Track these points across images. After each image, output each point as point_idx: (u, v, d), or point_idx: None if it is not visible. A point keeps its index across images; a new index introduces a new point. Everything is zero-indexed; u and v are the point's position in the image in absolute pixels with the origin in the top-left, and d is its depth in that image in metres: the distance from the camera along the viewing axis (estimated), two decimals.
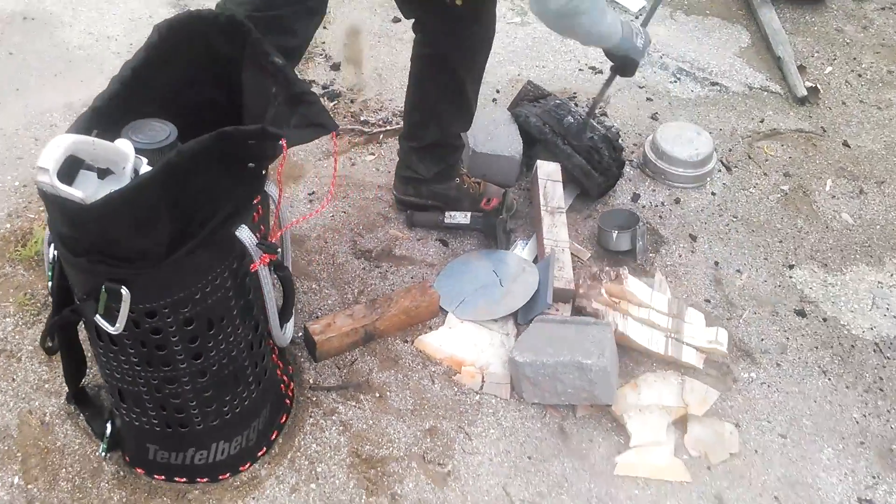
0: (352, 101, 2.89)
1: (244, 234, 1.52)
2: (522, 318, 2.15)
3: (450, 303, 2.18)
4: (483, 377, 2.02)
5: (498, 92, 2.99)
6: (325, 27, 3.24)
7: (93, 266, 1.41)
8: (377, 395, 1.99)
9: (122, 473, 1.79)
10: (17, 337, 2.03)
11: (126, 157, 1.40)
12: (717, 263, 2.42)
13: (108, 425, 1.79)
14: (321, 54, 3.11)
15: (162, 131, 1.49)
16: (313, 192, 2.52)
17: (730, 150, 2.84)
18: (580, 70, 3.15)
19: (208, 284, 1.52)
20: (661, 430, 1.91)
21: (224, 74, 1.65)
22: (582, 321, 2.05)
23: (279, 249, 1.66)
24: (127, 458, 1.81)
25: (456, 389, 2.02)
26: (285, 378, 1.92)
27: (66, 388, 1.83)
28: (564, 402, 1.96)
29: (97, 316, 1.45)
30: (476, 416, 1.96)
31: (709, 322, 2.19)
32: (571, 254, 2.31)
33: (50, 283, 1.56)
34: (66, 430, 1.86)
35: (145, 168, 1.42)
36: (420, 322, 2.16)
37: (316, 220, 2.42)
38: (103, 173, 1.40)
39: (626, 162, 2.67)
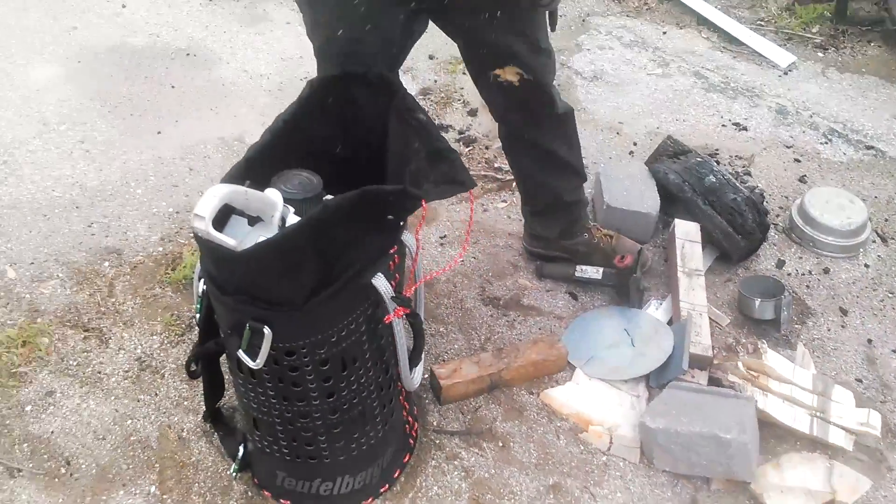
0: (486, 147, 2.92)
1: (380, 283, 1.54)
2: (655, 381, 2.09)
3: (578, 358, 2.14)
4: (611, 438, 1.96)
5: (635, 144, 2.95)
6: (464, 73, 3.29)
7: (239, 305, 1.47)
8: (500, 444, 1.97)
9: (250, 494, 1.84)
10: (161, 354, 2.13)
11: (275, 207, 1.46)
12: (870, 341, 2.28)
13: (241, 448, 1.84)
14: (459, 100, 3.16)
15: (309, 183, 1.56)
16: (445, 236, 2.55)
17: (886, 221, 2.70)
18: (723, 126, 3.07)
19: (344, 328, 1.55)
20: None
21: (370, 127, 1.70)
22: (720, 392, 1.96)
23: (413, 302, 1.69)
24: (256, 481, 1.85)
25: (582, 448, 1.97)
26: (410, 419, 1.93)
27: (204, 407, 1.90)
28: (698, 474, 1.88)
29: (240, 351, 1.51)
30: (602, 477, 1.91)
31: (859, 403, 2.06)
32: (709, 318, 2.24)
33: (198, 315, 1.64)
34: (201, 447, 1.93)
35: (292, 217, 1.49)
36: (546, 375, 2.12)
37: (444, 264, 2.44)
38: (253, 220, 1.47)
39: (771, 225, 2.57)
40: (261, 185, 1.51)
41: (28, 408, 1.99)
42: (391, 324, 1.61)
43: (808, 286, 2.43)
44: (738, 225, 2.43)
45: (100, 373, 2.08)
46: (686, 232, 2.44)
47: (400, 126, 1.65)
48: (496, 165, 2.83)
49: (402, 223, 1.59)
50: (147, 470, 1.88)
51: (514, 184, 2.72)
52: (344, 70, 1.71)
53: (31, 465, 1.87)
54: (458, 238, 2.55)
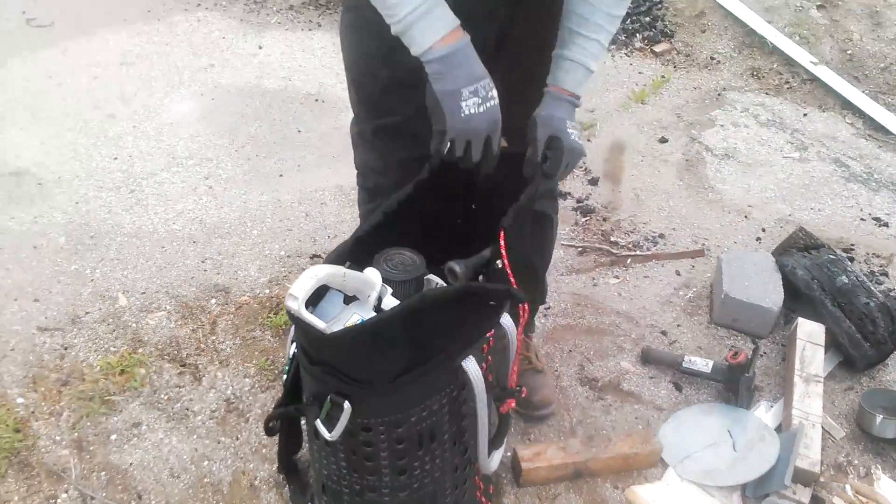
0: (604, 220, 2.83)
1: (470, 366, 1.48)
2: (752, 491, 1.92)
3: (673, 456, 2.00)
4: None
5: (764, 231, 2.79)
6: (589, 140, 3.23)
7: (324, 377, 1.44)
8: None
9: None
10: (250, 398, 2.13)
11: (373, 287, 1.43)
12: None
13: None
14: (581, 167, 3.09)
15: (411, 263, 1.52)
16: (549, 307, 2.46)
17: None
18: (861, 219, 2.87)
19: (426, 409, 1.49)
20: None
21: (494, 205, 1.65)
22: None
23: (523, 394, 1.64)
24: None
25: None
26: (483, 499, 1.84)
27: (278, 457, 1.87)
28: None
29: (318, 420, 1.47)
30: None
31: None
32: (822, 429, 2.06)
33: (285, 376, 1.62)
34: (271, 498, 1.91)
35: (389, 298, 1.46)
36: (636, 469, 1.99)
37: (545, 329, 2.36)
38: (349, 299, 1.44)
39: None
40: (363, 263, 1.49)
41: (113, 437, 2.02)
42: (475, 405, 1.54)
43: None
44: (867, 332, 2.24)
45: (188, 409, 2.10)
46: (809, 333, 2.26)
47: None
48: (612, 239, 2.74)
49: (501, 310, 1.53)
50: None
51: (629, 260, 2.63)
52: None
53: (104, 495, 1.90)
54: (563, 310, 2.45)
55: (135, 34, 3.81)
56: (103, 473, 1.95)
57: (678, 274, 2.60)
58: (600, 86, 3.58)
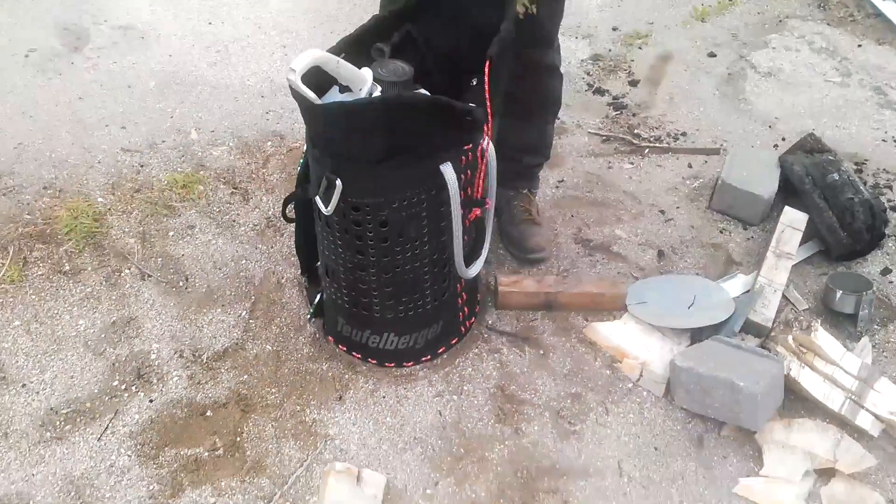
0: (634, 115, 3.04)
1: (447, 169, 1.77)
2: (700, 336, 2.16)
3: (633, 300, 2.25)
4: (642, 371, 2.08)
5: (783, 140, 2.94)
6: (640, 48, 3.42)
7: (321, 158, 1.77)
8: (541, 352, 2.15)
9: (317, 336, 2.16)
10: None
11: (364, 81, 1.73)
12: None
13: (318, 296, 2.16)
14: (625, 70, 3.30)
15: (402, 71, 1.79)
16: (562, 181, 2.73)
17: None
18: (883, 141, 2.98)
19: (405, 199, 1.79)
20: (797, 472, 1.84)
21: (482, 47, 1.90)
22: (755, 350, 2.02)
23: (486, 205, 1.93)
24: (324, 327, 2.16)
25: (612, 373, 2.10)
26: (466, 309, 2.15)
27: (300, 260, 2.23)
28: (711, 416, 1.96)
29: (317, 197, 1.81)
30: (622, 399, 2.04)
31: None
32: (789, 301, 2.27)
33: (299, 168, 1.96)
34: (292, 293, 2.27)
35: (378, 94, 1.75)
36: (602, 309, 2.26)
37: (554, 197, 2.62)
38: (344, 89, 1.75)
39: (890, 237, 2.51)
40: (362, 65, 1.80)
41: (171, 233, 2.43)
42: (451, 216, 1.83)
43: None
44: (846, 223, 2.41)
45: (234, 221, 2.49)
46: (792, 220, 2.46)
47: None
48: (636, 132, 2.95)
49: (475, 125, 1.80)
50: (244, 299, 2.25)
51: (647, 150, 2.86)
52: None
53: (158, 275, 2.31)
54: (575, 184, 2.71)
55: None
56: (160, 259, 2.36)
57: (690, 167, 2.81)
58: (666, 0, 3.74)
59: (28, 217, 2.44)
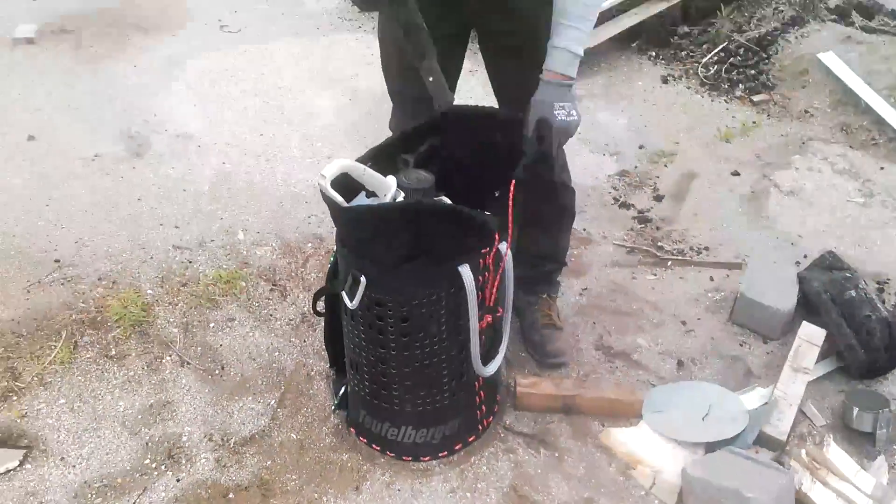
0: (657, 229, 3.17)
1: (465, 270, 1.90)
2: (714, 446, 2.20)
3: (650, 410, 2.31)
4: (655, 479, 2.12)
5: (805, 257, 3.02)
6: (665, 166, 3.58)
7: (348, 256, 1.93)
8: (556, 454, 2.21)
9: (340, 427, 2.26)
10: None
11: (388, 188, 1.90)
12: None
13: (343, 388, 2.27)
14: (651, 185, 3.44)
15: (424, 180, 1.96)
16: (586, 289, 2.83)
17: None
18: None
19: (426, 297, 1.93)
20: None
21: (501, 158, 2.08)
22: (767, 463, 2.05)
23: (499, 313, 2.05)
24: (347, 418, 2.26)
25: (626, 480, 2.15)
26: (484, 408, 2.23)
27: (329, 354, 2.36)
28: None
29: (343, 291, 1.95)
30: None
31: None
32: (806, 416, 2.32)
33: (330, 265, 2.12)
34: (320, 386, 2.39)
35: (401, 200, 1.91)
36: (620, 415, 2.32)
37: (578, 304, 2.73)
38: (370, 195, 1.92)
39: None
40: (387, 173, 1.97)
41: (212, 324, 2.58)
42: (468, 318, 1.95)
43: None
44: (863, 340, 2.46)
45: (271, 316, 2.64)
46: (809, 335, 2.52)
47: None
48: (660, 244, 3.07)
49: (492, 231, 1.94)
50: (274, 389, 2.37)
51: (670, 263, 2.96)
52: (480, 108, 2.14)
53: (197, 362, 2.45)
54: (598, 293, 2.82)
55: (302, 45, 4.54)
56: (199, 348, 2.50)
57: (711, 280, 2.90)
58: (692, 122, 3.92)
59: (82, 305, 2.62)
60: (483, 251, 1.96)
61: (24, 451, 2.15)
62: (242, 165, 3.43)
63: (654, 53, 4.56)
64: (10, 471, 2.10)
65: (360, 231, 1.87)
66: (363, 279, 1.90)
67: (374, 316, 1.97)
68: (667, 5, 4.61)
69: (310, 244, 2.97)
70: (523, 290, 2.35)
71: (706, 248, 3.06)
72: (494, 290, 2.01)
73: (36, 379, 2.36)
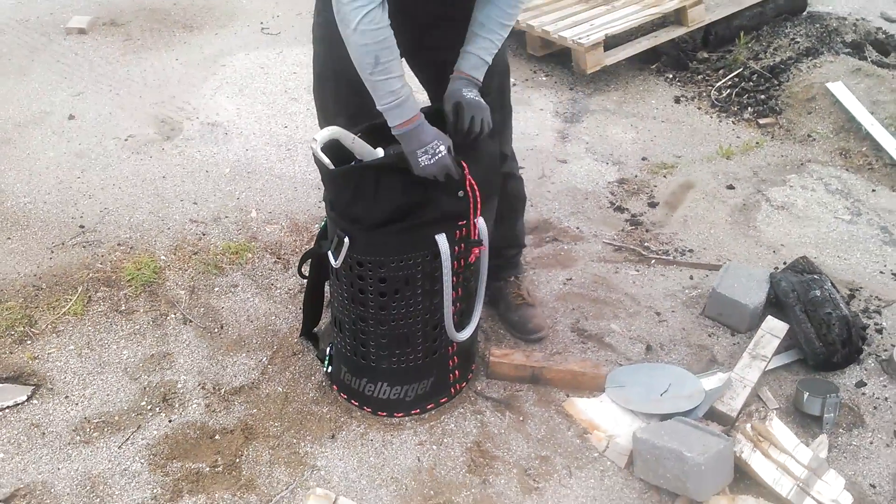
0: (647, 231, 3.33)
1: (441, 239, 2.10)
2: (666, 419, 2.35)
3: (611, 383, 2.47)
4: (608, 444, 2.28)
5: (784, 264, 3.15)
6: (664, 177, 3.74)
7: (335, 218, 2.14)
8: (520, 418, 2.38)
9: (323, 385, 2.45)
10: None
11: (374, 155, 2.11)
12: None
13: (329, 348, 2.47)
14: (647, 193, 3.60)
15: None
16: (570, 279, 3.00)
17: None
18: (881, 272, 3.16)
19: (403, 261, 2.12)
20: None
21: None
22: (709, 430, 2.20)
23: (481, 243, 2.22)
24: (329, 375, 2.46)
25: (582, 442, 2.31)
26: (457, 372, 2.41)
27: (301, 324, 2.57)
28: (663, 486, 2.13)
29: (329, 252, 2.16)
30: (586, 465, 2.24)
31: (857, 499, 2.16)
32: (761, 399, 2.46)
33: (319, 228, 2.32)
34: (309, 347, 2.59)
35: None
36: (584, 388, 2.48)
37: (560, 292, 2.90)
38: (358, 163, 2.12)
39: (874, 356, 2.67)
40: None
41: (216, 289, 2.81)
42: (443, 280, 2.14)
43: (875, 407, 2.50)
44: (822, 334, 2.60)
45: (272, 285, 2.85)
46: (772, 327, 2.66)
47: None
48: (646, 244, 3.23)
49: (468, 203, 2.13)
50: (267, 348, 2.58)
51: (653, 261, 3.12)
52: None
53: (198, 321, 2.67)
54: (581, 283, 2.99)
55: None
56: (202, 309, 2.72)
57: (691, 279, 3.05)
58: (697, 139, 4.08)
59: (99, 266, 2.86)
60: (460, 223, 2.15)
61: (33, 388, 2.38)
62: (263, 153, 3.67)
63: (671, 76, 4.73)
64: (18, 404, 2.33)
65: (344, 192, 2.07)
66: (346, 240, 2.10)
67: (356, 276, 2.17)
68: (686, 31, 4.79)
69: (317, 225, 3.18)
70: (491, 278, 2.53)
71: (690, 251, 3.22)
72: (476, 229, 2.19)
73: (50, 327, 2.60)
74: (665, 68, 4.74)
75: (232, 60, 4.54)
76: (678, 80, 4.66)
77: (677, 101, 4.47)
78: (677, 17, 4.80)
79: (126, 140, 3.66)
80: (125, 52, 4.50)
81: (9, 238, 2.97)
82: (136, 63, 4.38)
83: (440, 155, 2.02)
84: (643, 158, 3.89)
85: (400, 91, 1.98)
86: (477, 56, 2.14)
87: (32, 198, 3.21)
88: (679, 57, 4.77)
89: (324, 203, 2.27)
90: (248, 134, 3.82)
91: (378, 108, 2.02)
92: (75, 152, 3.54)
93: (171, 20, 4.95)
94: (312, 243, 3.01)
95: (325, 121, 2.40)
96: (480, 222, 2.20)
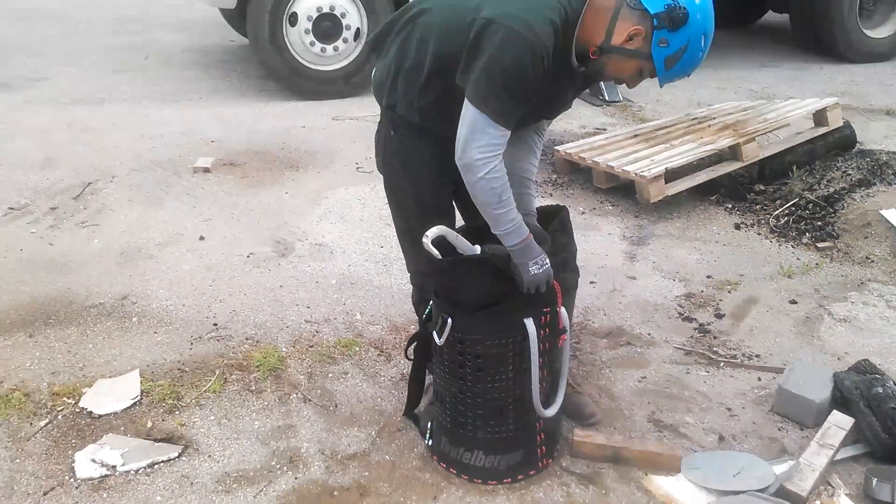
0: (715, 338, 3.62)
1: (529, 323, 2.48)
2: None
3: (686, 465, 2.73)
4: None
5: (839, 360, 3.40)
6: (729, 292, 4.06)
7: (440, 303, 2.54)
8: (603, 491, 2.64)
9: (425, 455, 2.77)
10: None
11: (474, 251, 2.52)
12: None
13: (429, 424, 2.81)
14: (714, 306, 3.92)
15: (503, 251, 2.49)
16: (644, 377, 3.30)
17: None
18: None
19: (496, 341, 2.50)
20: None
21: None
22: (780, 502, 2.43)
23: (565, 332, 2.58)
24: (431, 447, 2.78)
25: None
26: (544, 448, 2.70)
27: (405, 403, 2.92)
28: None
29: (434, 332, 2.55)
30: None
31: None
32: (830, 485, 2.67)
33: (425, 314, 2.72)
34: (412, 425, 2.93)
35: None
36: (660, 468, 2.73)
37: (636, 389, 3.19)
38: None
39: None
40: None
41: (330, 375, 3.20)
42: (531, 362, 2.49)
43: None
44: (887, 427, 2.82)
45: (377, 373, 3.24)
46: (838, 420, 2.89)
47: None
48: (714, 349, 3.52)
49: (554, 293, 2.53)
50: (375, 424, 2.93)
51: (722, 364, 3.41)
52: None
53: (316, 400, 3.05)
54: (655, 381, 3.28)
55: None
56: (319, 391, 3.11)
57: (759, 380, 3.32)
58: (758, 261, 4.40)
59: (232, 354, 3.30)
60: (545, 310, 2.54)
61: (182, 447, 2.76)
62: (364, 268, 4.14)
63: (730, 205, 5.12)
64: (170, 459, 2.71)
65: (450, 279, 2.49)
66: (449, 320, 2.50)
67: (456, 352, 2.54)
68: (741, 165, 5.21)
69: (413, 326, 3.58)
70: None
71: (757, 356, 3.49)
72: (561, 318, 2.55)
73: (194, 401, 3.01)
74: (724, 199, 5.13)
75: (333, 193, 5.11)
76: (737, 210, 5.03)
77: (737, 227, 4.82)
78: (732, 152, 5.24)
79: (248, 257, 4.19)
80: (243, 186, 5.13)
81: (156, 332, 3.45)
82: (253, 196, 4.99)
83: (547, 265, 2.45)
84: (708, 276, 4.22)
85: (516, 218, 2.43)
86: (534, 197, 2.76)
87: (173, 301, 3.71)
88: (737, 188, 5.17)
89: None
90: (350, 252, 4.31)
91: (496, 232, 2.44)
92: (206, 266, 4.06)
93: (280, 162, 5.60)
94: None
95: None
96: (563, 311, 2.57)
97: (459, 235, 2.53)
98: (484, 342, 2.50)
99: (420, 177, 2.62)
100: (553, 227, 2.69)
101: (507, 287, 2.47)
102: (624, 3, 2.25)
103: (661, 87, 2.42)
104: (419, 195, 2.67)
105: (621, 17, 2.25)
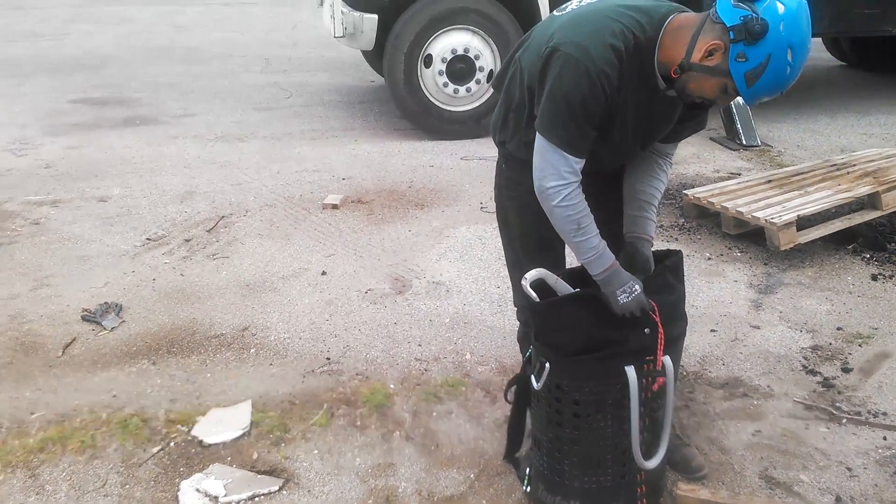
0: (839, 393, 3.43)
1: (630, 370, 2.45)
2: None
3: None
4: None
5: None
6: (859, 345, 3.84)
7: (539, 347, 2.55)
8: None
9: (522, 501, 2.77)
10: None
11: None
12: None
13: (528, 469, 2.81)
14: (841, 359, 3.71)
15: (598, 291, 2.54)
16: (759, 431, 3.17)
17: None
18: None
19: (595, 386, 2.47)
20: None
21: None
22: None
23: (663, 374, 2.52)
24: (528, 493, 2.77)
25: None
26: (645, 501, 2.64)
27: (505, 448, 2.92)
28: None
29: (532, 375, 2.56)
30: None
31: None
32: None
33: (525, 356, 2.74)
34: (512, 470, 2.94)
35: None
36: None
37: (749, 443, 3.07)
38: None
39: None
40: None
41: (434, 414, 3.26)
42: (630, 411, 2.45)
43: None
44: None
45: (481, 415, 3.27)
46: None
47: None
48: (837, 405, 3.34)
49: (652, 339, 2.49)
50: (475, 466, 2.96)
51: (844, 420, 3.23)
52: None
53: (418, 439, 3.12)
54: (770, 436, 3.14)
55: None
56: (422, 429, 3.17)
57: (884, 439, 3.12)
58: (895, 314, 4.15)
59: (341, 389, 3.42)
60: (647, 358, 2.50)
61: (283, 481, 2.88)
62: (478, 307, 4.20)
63: (868, 255, 4.84)
64: (271, 493, 2.83)
65: (548, 322, 2.49)
66: (548, 365, 2.50)
67: (554, 398, 2.54)
68: (880, 214, 4.93)
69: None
70: None
71: (884, 414, 3.28)
72: (660, 359, 2.50)
73: (300, 434, 3.14)
74: (861, 248, 4.86)
75: (455, 232, 5.21)
76: (875, 260, 4.75)
77: (874, 278, 4.55)
78: (871, 201, 4.97)
79: (366, 293, 4.33)
80: (368, 223, 5.31)
81: (271, 364, 3.62)
82: (376, 232, 5.16)
83: (636, 293, 2.41)
84: (838, 328, 4.01)
85: (598, 246, 2.42)
86: (654, 222, 2.63)
87: (290, 334, 3.89)
88: (876, 238, 4.89)
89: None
90: (466, 292, 4.38)
91: (580, 261, 2.46)
92: (325, 300, 4.24)
93: (406, 200, 5.77)
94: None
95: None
96: (667, 359, 2.52)
97: (560, 279, 2.53)
98: (582, 388, 2.49)
99: (526, 209, 2.66)
100: (665, 265, 2.65)
101: (608, 332, 2.45)
102: (708, 17, 2.17)
103: (749, 105, 2.37)
104: (525, 227, 2.73)
105: (703, 32, 2.18)
